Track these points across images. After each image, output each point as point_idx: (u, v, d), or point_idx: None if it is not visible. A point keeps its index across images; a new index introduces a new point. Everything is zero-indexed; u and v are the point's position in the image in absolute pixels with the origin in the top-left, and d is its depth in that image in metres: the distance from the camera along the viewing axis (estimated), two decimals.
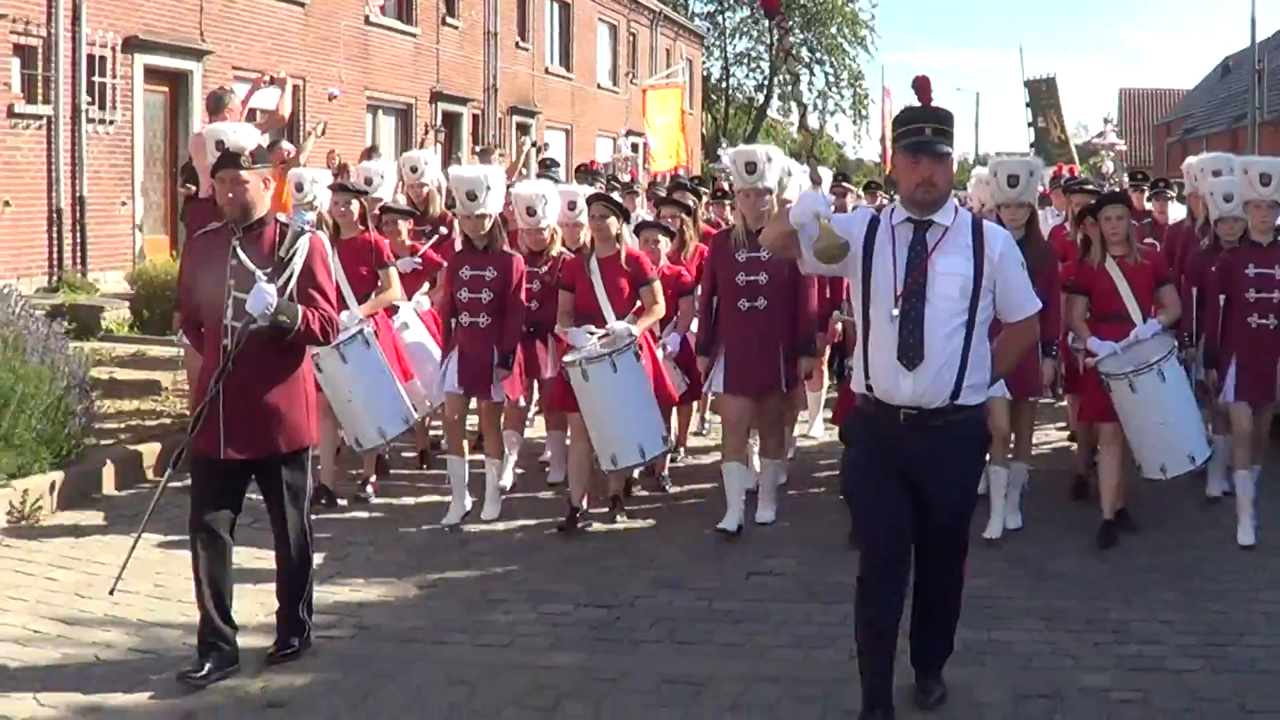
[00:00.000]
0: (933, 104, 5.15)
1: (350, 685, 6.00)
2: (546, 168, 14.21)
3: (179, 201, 17.59)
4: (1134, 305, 8.25)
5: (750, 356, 8.37)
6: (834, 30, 59.77)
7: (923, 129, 5.08)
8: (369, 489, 9.20)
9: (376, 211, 9.96)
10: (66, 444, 9.12)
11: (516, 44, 33.45)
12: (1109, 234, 8.31)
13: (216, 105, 11.23)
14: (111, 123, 18.65)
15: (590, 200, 9.14)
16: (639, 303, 8.69)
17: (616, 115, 39.57)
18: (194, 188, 18.16)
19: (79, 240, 18.20)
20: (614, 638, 6.63)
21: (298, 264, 5.95)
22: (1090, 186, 11.58)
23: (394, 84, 27.23)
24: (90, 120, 18.19)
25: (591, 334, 8.43)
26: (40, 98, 17.60)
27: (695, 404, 10.44)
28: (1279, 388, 8.41)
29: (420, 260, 10.16)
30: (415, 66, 28.33)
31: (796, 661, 6.29)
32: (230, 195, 5.99)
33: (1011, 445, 8.49)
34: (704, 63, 55.88)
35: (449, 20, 29.74)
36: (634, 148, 37.22)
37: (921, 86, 4.91)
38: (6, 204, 16.90)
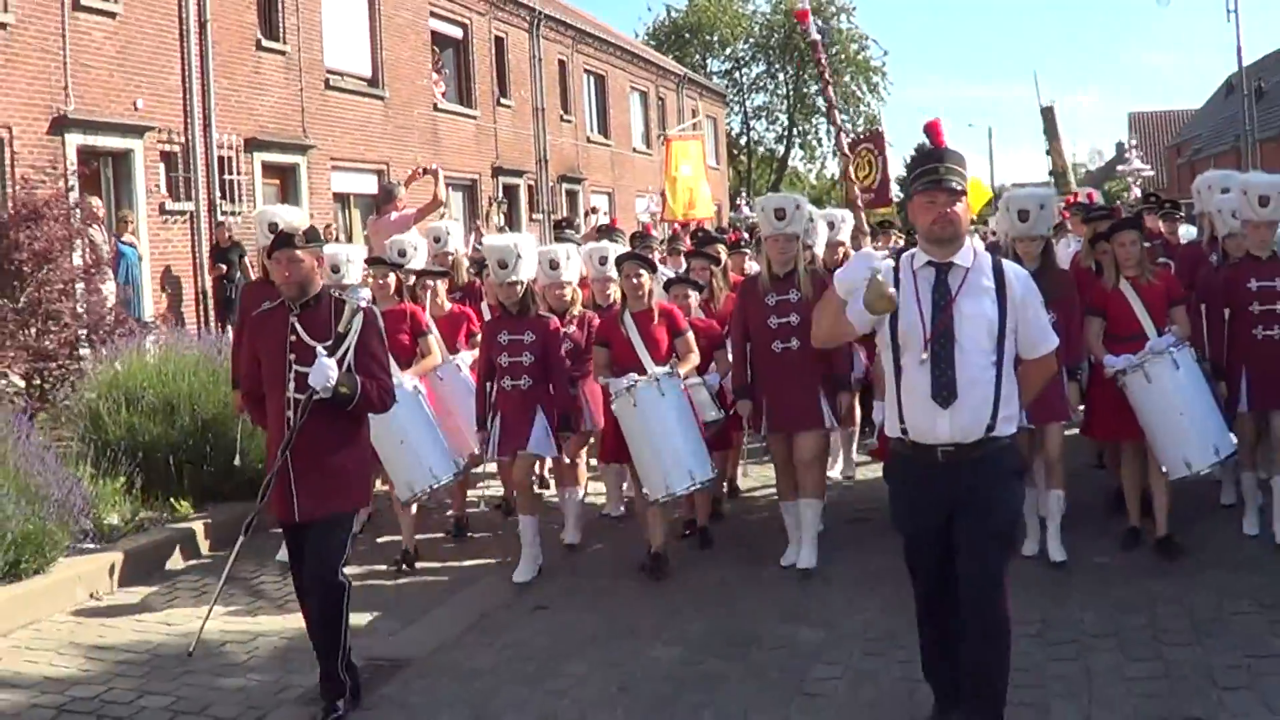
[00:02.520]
0: (944, 145, 5.13)
1: (595, 604, 7.60)
2: (607, 233, 13.54)
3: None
4: (1149, 323, 7.88)
5: (790, 396, 8.00)
6: (848, 79, 60.54)
7: (937, 168, 4.92)
8: (409, 556, 8.73)
9: (412, 280, 9.66)
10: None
11: (561, 117, 34.39)
12: (1122, 258, 7.99)
13: (387, 196, 12.54)
14: (239, 214, 20.10)
15: (622, 259, 8.76)
16: (675, 354, 8.33)
17: (652, 175, 39.37)
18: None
19: (220, 316, 19.47)
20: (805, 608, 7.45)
21: (354, 337, 5.89)
22: (1100, 213, 10.73)
23: (461, 162, 28.09)
24: (223, 213, 20.05)
25: (634, 380, 8.03)
26: (183, 195, 19.58)
27: (729, 454, 9.79)
28: None
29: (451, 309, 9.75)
30: (477, 145, 29.39)
31: None
32: (287, 274, 5.92)
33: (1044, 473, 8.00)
34: (726, 119, 56.29)
35: (503, 101, 30.79)
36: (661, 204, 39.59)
37: (932, 129, 5.18)
38: (164, 289, 18.97)
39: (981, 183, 26.92)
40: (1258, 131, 38.27)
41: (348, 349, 5.89)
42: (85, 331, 11.69)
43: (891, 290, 4.75)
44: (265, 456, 6.44)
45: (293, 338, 5.92)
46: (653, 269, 8.72)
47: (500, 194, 29.79)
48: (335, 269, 8.78)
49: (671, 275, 9.93)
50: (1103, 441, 9.00)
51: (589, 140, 36.91)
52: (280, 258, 5.94)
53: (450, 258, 10.61)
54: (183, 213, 19.66)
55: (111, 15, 18.48)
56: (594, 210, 30.36)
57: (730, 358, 8.62)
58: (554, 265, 8.96)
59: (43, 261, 11.63)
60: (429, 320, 9.23)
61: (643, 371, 8.09)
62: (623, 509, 9.80)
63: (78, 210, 13.07)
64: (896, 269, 5.02)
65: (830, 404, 8.08)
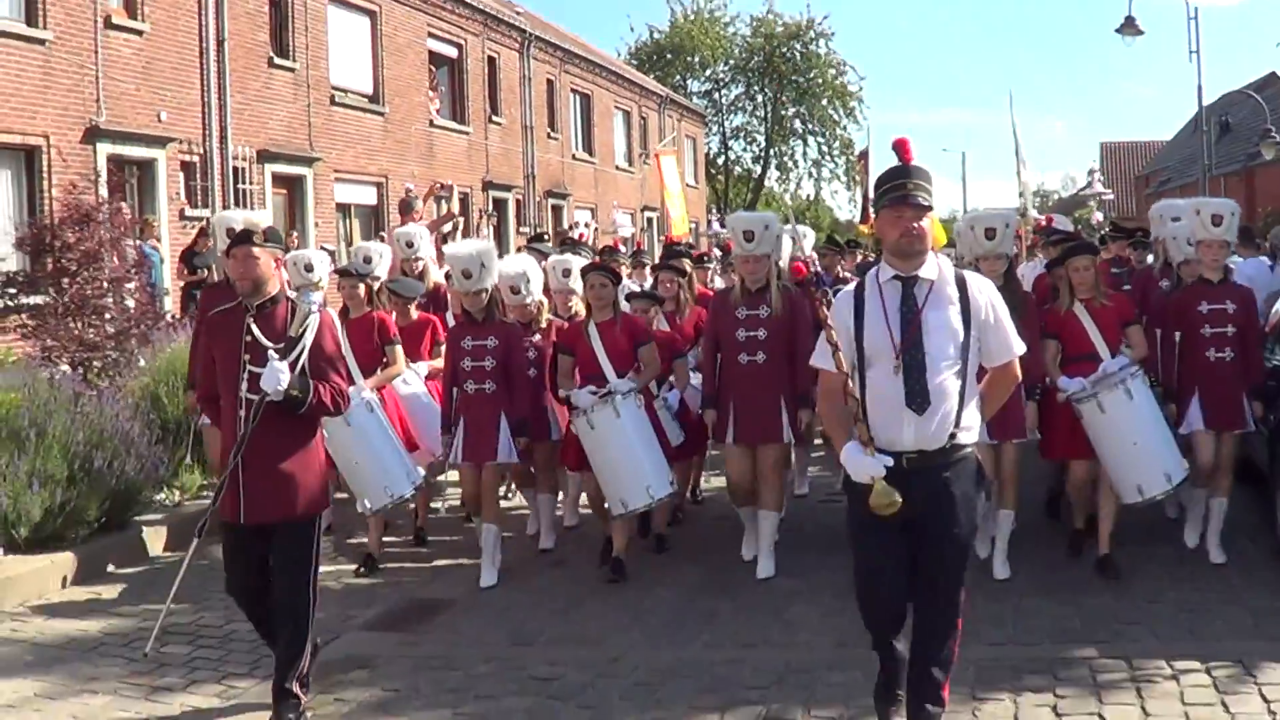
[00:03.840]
0: (912, 162, 4.94)
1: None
2: (571, 245, 13.32)
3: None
4: (1102, 345, 7.69)
5: (754, 408, 7.89)
6: (824, 103, 60.67)
7: (904, 184, 4.84)
8: (373, 561, 8.63)
9: (380, 289, 9.44)
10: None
11: (548, 135, 34.83)
12: (1076, 282, 7.84)
13: (407, 208, 13.22)
14: None
15: (587, 270, 8.57)
16: (638, 363, 8.14)
17: (633, 192, 40.98)
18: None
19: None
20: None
21: (308, 340, 5.71)
22: (1060, 237, 10.93)
23: (453, 176, 27.22)
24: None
25: (594, 394, 7.89)
26: (200, 202, 20.25)
27: (693, 460, 9.66)
28: (1245, 415, 7.90)
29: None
30: (469, 160, 29.81)
31: None
32: (242, 270, 5.72)
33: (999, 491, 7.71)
34: (705, 139, 56.88)
35: (494, 118, 31.20)
36: (648, 221, 41.02)
37: (901, 146, 5.01)
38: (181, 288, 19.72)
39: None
40: (1221, 166, 38.11)
41: (301, 351, 5.70)
42: (127, 325, 12.50)
43: (895, 494, 4.77)
44: (219, 457, 6.14)
45: (248, 338, 5.71)
46: (617, 280, 8.55)
47: (490, 207, 30.09)
48: (309, 268, 8.97)
49: (636, 289, 9.83)
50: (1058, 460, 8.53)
51: (574, 157, 37.19)
52: (238, 254, 5.77)
53: (420, 263, 10.53)
54: (200, 219, 19.84)
55: (139, 33, 19.27)
56: (580, 224, 31.59)
57: (689, 370, 8.67)
58: (514, 290, 8.83)
59: (89, 261, 12.47)
60: (395, 329, 9.01)
61: (604, 381, 8.01)
62: (577, 520, 9.62)
63: (117, 215, 14.07)
64: (862, 285, 5.04)
65: (791, 419, 8.00)
